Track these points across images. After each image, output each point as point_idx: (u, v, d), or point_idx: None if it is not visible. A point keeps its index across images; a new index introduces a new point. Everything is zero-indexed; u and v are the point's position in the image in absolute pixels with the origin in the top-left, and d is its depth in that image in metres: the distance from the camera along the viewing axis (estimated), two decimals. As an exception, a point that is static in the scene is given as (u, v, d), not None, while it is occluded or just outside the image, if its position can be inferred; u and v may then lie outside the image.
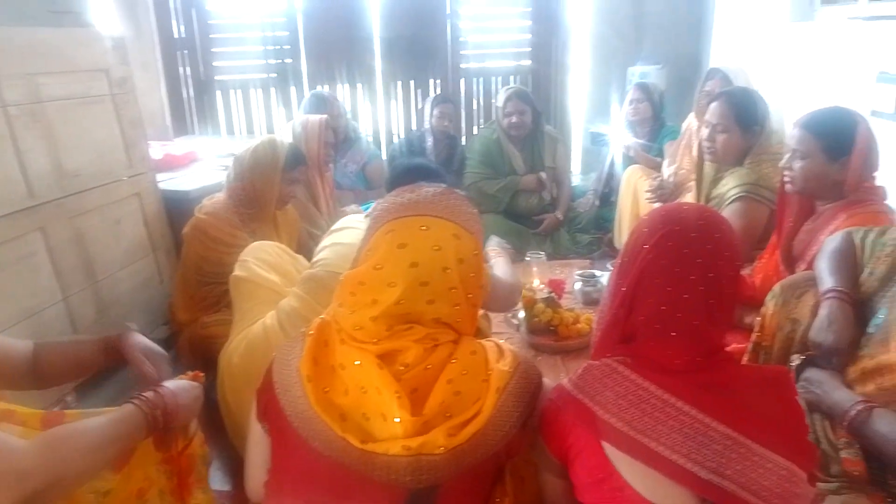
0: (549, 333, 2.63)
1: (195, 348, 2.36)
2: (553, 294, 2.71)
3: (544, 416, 1.18)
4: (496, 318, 2.80)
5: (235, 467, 1.89)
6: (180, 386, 1.35)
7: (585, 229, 4.01)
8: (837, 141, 1.90)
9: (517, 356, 1.22)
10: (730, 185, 2.48)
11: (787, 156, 2.01)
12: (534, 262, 2.92)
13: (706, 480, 1.01)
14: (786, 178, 2.02)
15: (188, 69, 4.64)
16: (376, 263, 1.15)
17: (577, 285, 3.03)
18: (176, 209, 2.82)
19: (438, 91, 4.85)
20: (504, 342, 1.28)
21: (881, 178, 2.01)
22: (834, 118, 1.95)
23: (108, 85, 2.50)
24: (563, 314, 2.64)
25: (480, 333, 1.95)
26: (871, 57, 2.32)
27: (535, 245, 3.66)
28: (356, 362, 1.12)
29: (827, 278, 1.59)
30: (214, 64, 4.68)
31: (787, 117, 2.68)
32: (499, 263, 2.07)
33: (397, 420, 1.06)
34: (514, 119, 3.85)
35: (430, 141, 4.06)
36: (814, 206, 2.03)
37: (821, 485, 1.45)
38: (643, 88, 3.84)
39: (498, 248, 2.16)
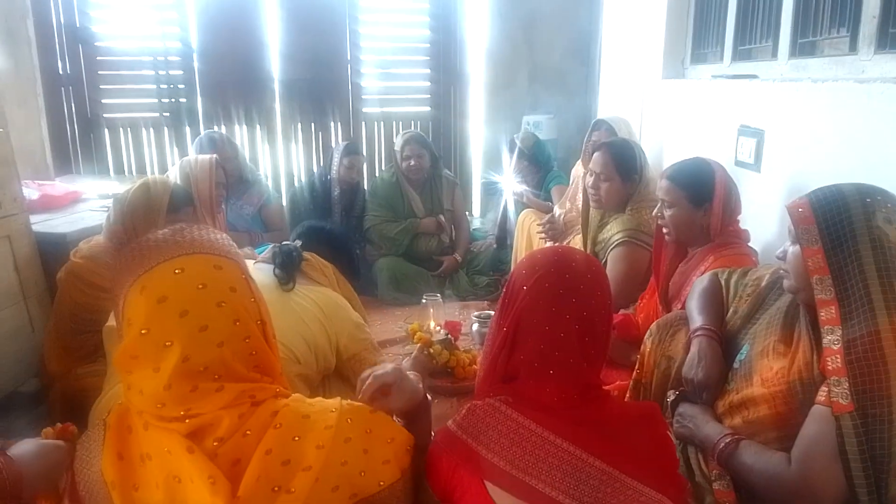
0: (445, 375, 2.63)
1: (68, 402, 2.20)
2: (449, 336, 2.73)
3: (429, 458, 1.18)
4: (394, 362, 2.78)
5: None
6: (28, 451, 1.16)
7: (483, 271, 4.09)
8: (699, 189, 2.06)
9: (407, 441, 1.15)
10: (613, 231, 2.62)
11: (657, 206, 2.15)
12: (430, 304, 2.94)
13: (584, 516, 1.04)
14: (663, 229, 2.16)
15: (73, 106, 4.43)
16: (141, 329, 0.99)
17: (475, 326, 3.06)
18: (52, 253, 2.65)
19: (339, 134, 4.86)
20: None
21: (744, 222, 2.18)
22: (694, 168, 2.12)
23: (-26, 121, 2.35)
24: (459, 356, 2.65)
25: (367, 364, 1.93)
26: (733, 112, 2.54)
27: (434, 287, 3.69)
28: (166, 450, 1.00)
29: (696, 317, 1.69)
30: (103, 101, 4.48)
31: (662, 166, 2.86)
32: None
33: None
34: (412, 162, 3.92)
35: (336, 191, 4.03)
36: (686, 249, 2.17)
37: (696, 516, 1.52)
38: (511, 146, 4.05)
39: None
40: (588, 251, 2.78)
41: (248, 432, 1.02)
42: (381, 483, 1.09)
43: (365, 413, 1.15)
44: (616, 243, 2.57)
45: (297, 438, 1.04)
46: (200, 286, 1.02)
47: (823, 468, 1.24)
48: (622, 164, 2.63)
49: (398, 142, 4.05)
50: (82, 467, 1.05)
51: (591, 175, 2.70)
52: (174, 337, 0.99)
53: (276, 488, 0.99)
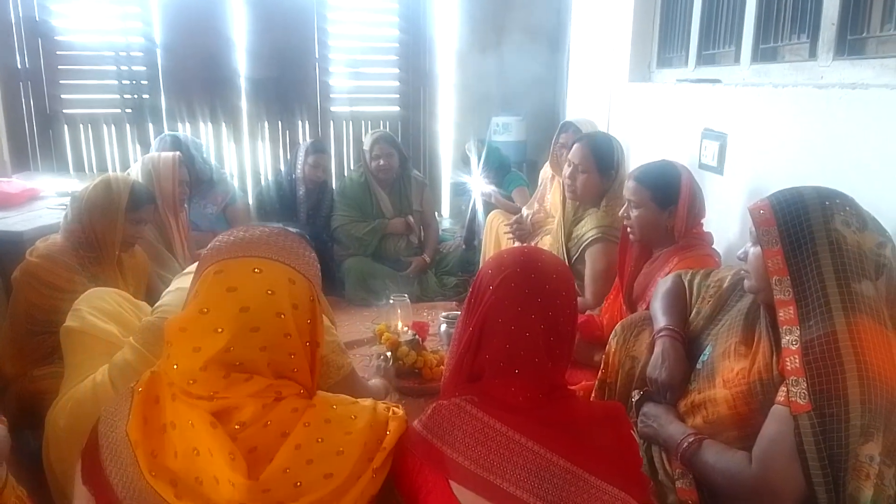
0: (413, 376, 2.62)
1: (23, 405, 2.13)
2: (417, 336, 2.73)
3: (394, 458, 1.17)
4: (360, 363, 2.76)
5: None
6: None
7: (452, 272, 4.09)
8: (665, 191, 2.09)
9: (401, 426, 1.18)
10: (588, 227, 2.64)
11: (623, 206, 2.17)
12: (398, 305, 2.93)
13: (548, 514, 1.04)
14: (628, 229, 2.18)
15: (32, 101, 4.31)
16: (202, 307, 1.07)
17: (443, 327, 3.06)
18: (7, 252, 2.57)
19: (307, 133, 4.81)
20: (386, 402, 1.25)
21: (707, 224, 2.21)
22: (661, 170, 2.14)
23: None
24: (426, 356, 2.65)
25: (334, 366, 1.92)
26: (697, 115, 2.58)
27: (403, 287, 3.68)
28: (189, 422, 1.04)
29: (660, 317, 1.71)
30: (62, 96, 4.38)
31: (629, 169, 2.89)
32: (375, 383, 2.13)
33: (232, 484, 0.99)
34: (381, 162, 3.90)
35: (301, 190, 4.00)
36: (651, 250, 2.20)
37: (659, 515, 1.53)
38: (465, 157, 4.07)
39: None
40: (562, 245, 2.79)
41: (268, 423, 1.06)
42: (369, 497, 1.11)
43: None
44: (591, 239, 2.59)
45: (320, 440, 1.08)
46: (269, 292, 1.08)
47: (783, 467, 1.26)
48: (600, 157, 2.62)
49: (367, 141, 4.03)
50: (107, 430, 1.08)
51: (568, 166, 2.69)
52: (227, 327, 1.05)
53: (298, 484, 1.02)
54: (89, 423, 1.20)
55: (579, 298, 2.38)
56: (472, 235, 4.22)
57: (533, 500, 1.04)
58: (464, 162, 4.08)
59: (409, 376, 2.62)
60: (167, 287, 1.99)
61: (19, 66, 4.23)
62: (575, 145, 2.69)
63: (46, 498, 1.72)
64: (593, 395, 1.87)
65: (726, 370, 1.48)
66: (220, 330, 1.05)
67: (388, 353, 2.57)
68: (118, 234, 2.27)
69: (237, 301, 1.06)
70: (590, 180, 2.63)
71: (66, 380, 1.76)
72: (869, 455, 1.22)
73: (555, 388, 1.17)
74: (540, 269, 1.18)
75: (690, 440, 1.46)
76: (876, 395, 1.21)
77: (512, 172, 4.11)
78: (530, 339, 1.14)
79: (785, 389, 1.29)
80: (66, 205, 2.40)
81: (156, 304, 1.83)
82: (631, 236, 2.19)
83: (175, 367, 1.07)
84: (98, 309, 1.83)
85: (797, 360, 1.27)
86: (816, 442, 1.22)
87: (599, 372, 1.86)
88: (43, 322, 2.15)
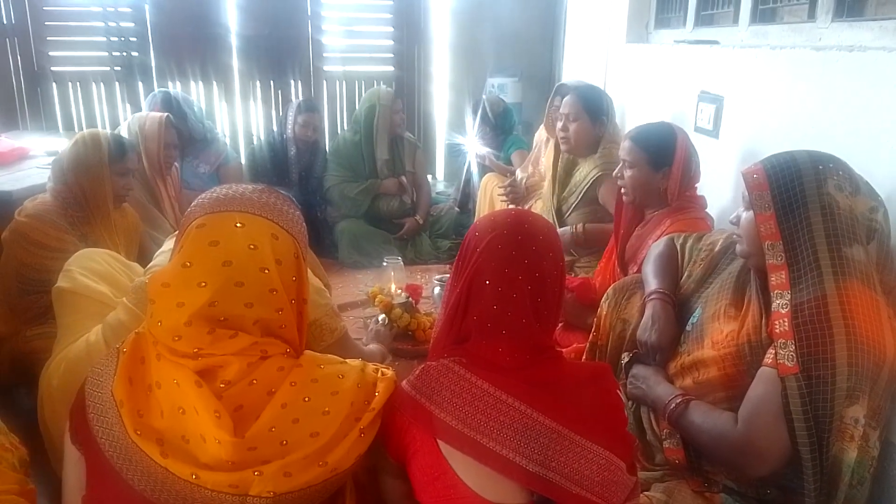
0: (406, 338, 2.64)
1: (17, 364, 2.14)
2: (410, 299, 2.74)
3: (383, 418, 1.18)
4: (353, 326, 2.78)
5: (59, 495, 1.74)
6: None
7: (446, 235, 4.09)
8: (660, 152, 2.07)
9: (389, 386, 1.18)
10: (585, 171, 2.68)
11: (618, 166, 2.16)
12: (392, 267, 2.93)
13: (533, 473, 1.06)
14: (622, 190, 2.18)
15: (19, 58, 4.23)
16: (185, 261, 1.06)
17: (436, 290, 3.07)
18: (-4, 212, 2.55)
19: (300, 93, 4.74)
20: (375, 365, 1.26)
21: (702, 188, 2.20)
22: (657, 132, 2.12)
23: None
24: (420, 318, 2.67)
25: (327, 329, 1.93)
26: (694, 77, 2.54)
27: (396, 250, 3.68)
28: (174, 381, 1.04)
29: (651, 281, 1.71)
30: (50, 54, 4.30)
31: (625, 131, 2.87)
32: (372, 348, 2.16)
33: (218, 441, 0.99)
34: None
35: (292, 151, 3.96)
36: (644, 213, 2.19)
37: (646, 473, 1.55)
38: (482, 110, 4.02)
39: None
40: (552, 207, 2.80)
41: (254, 381, 1.06)
42: (356, 456, 1.12)
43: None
44: (597, 177, 2.63)
45: (306, 399, 1.08)
46: (252, 246, 1.07)
47: (768, 427, 1.28)
48: (590, 104, 2.68)
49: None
50: (93, 390, 1.09)
51: (560, 120, 2.74)
52: (210, 280, 1.04)
53: (284, 442, 1.04)
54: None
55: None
56: (466, 198, 4.20)
57: (518, 458, 1.06)
58: (483, 120, 3.96)
59: (403, 338, 2.63)
60: (159, 248, 1.99)
61: (5, 22, 4.13)
62: (564, 99, 2.76)
63: (43, 456, 1.74)
64: (584, 356, 1.89)
65: (715, 332, 1.49)
66: (203, 284, 1.04)
67: (384, 317, 2.58)
68: (107, 188, 2.26)
69: (220, 255, 1.05)
70: (581, 127, 2.68)
71: (59, 340, 1.77)
72: (854, 417, 1.24)
73: (542, 349, 1.18)
74: (527, 231, 1.18)
75: (678, 401, 1.48)
76: (863, 359, 1.23)
77: (513, 135, 4.06)
78: (517, 301, 1.14)
79: (773, 352, 1.31)
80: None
81: (148, 266, 1.82)
82: (625, 198, 2.18)
83: (160, 323, 1.06)
84: (89, 269, 1.83)
85: (786, 323, 1.28)
86: (803, 403, 1.24)
87: (591, 334, 1.87)
88: (34, 281, 2.15)
